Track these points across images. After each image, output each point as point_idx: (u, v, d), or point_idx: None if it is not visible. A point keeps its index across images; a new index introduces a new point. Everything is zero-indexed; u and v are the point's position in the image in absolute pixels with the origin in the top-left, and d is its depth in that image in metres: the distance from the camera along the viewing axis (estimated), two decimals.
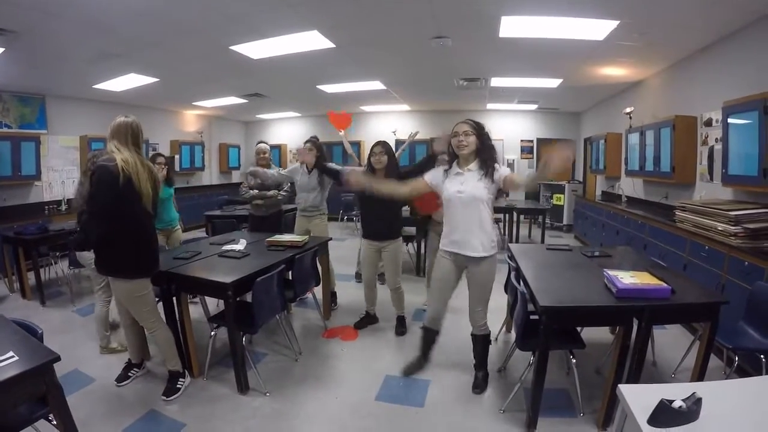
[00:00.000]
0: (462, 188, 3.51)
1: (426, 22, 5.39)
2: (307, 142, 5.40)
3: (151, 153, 8.20)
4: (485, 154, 3.54)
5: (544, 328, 2.97)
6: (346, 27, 5.60)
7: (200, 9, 4.87)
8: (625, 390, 1.86)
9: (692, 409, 1.61)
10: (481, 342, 3.85)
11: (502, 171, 3.50)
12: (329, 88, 9.64)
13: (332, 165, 5.30)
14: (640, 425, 1.62)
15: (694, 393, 1.66)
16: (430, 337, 4.00)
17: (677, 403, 1.60)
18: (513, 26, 5.41)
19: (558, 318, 3.03)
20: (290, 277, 4.53)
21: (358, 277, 6.96)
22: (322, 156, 5.38)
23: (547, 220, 10.29)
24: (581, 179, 12.64)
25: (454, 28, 5.60)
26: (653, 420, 1.61)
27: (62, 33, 5.37)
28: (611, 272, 3.24)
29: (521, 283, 3.48)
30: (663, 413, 1.61)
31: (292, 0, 4.69)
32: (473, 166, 3.54)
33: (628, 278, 3.12)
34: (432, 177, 3.76)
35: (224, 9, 4.89)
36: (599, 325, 4.52)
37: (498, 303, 5.25)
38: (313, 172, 5.43)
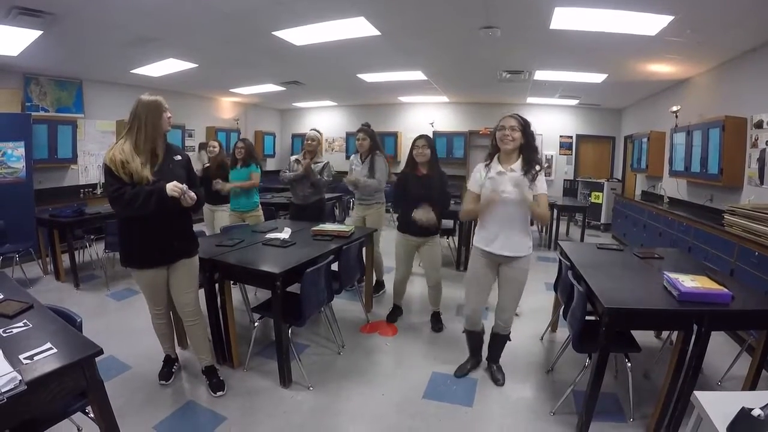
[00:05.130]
0: (503, 188, 3.39)
1: (477, 11, 5.26)
2: (359, 131, 5.38)
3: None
4: (529, 153, 3.45)
5: (606, 331, 2.87)
6: (394, 14, 5.50)
7: None
8: (702, 397, 1.85)
9: None
10: (501, 340, 3.84)
11: (540, 187, 3.38)
12: (369, 77, 9.60)
13: None
14: None
15: None
16: (474, 338, 3.97)
17: (756, 412, 1.61)
18: (565, 18, 5.27)
19: (620, 320, 2.93)
20: (336, 268, 4.41)
21: None
22: (375, 144, 5.30)
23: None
24: (620, 177, 12.38)
25: (504, 18, 5.46)
26: (733, 428, 1.63)
27: (100, 16, 5.36)
28: (672, 275, 3.14)
29: (577, 282, 3.39)
30: (744, 421, 1.62)
31: None
32: (516, 166, 3.43)
33: (689, 282, 3.03)
34: (474, 182, 3.65)
35: None
36: (659, 329, 4.50)
37: (542, 302, 5.17)
38: (366, 160, 5.35)
